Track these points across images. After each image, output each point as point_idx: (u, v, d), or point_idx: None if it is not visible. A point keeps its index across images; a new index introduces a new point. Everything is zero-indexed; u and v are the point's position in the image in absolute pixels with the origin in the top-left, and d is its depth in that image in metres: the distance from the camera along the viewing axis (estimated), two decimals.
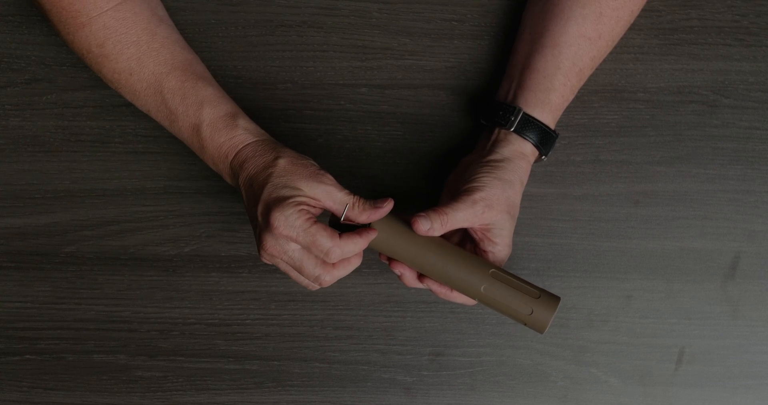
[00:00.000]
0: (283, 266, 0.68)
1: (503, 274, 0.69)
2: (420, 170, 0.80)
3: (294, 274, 0.68)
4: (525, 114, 0.72)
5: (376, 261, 0.79)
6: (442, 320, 0.80)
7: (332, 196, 0.66)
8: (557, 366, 0.80)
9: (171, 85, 0.70)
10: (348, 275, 0.79)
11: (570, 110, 0.79)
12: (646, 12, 0.79)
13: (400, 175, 0.80)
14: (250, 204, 0.68)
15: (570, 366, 0.80)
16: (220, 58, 0.80)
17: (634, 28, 0.79)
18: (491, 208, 0.69)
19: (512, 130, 0.72)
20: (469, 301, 0.72)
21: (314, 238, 0.64)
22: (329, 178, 0.67)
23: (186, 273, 0.80)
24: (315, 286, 0.69)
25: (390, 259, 0.71)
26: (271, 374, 0.80)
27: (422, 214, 0.68)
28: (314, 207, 0.66)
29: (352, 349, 0.80)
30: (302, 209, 0.65)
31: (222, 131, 0.69)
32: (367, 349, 0.80)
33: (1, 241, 0.80)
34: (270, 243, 0.65)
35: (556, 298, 0.69)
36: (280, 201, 0.64)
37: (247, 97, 0.80)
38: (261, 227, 0.65)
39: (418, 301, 0.80)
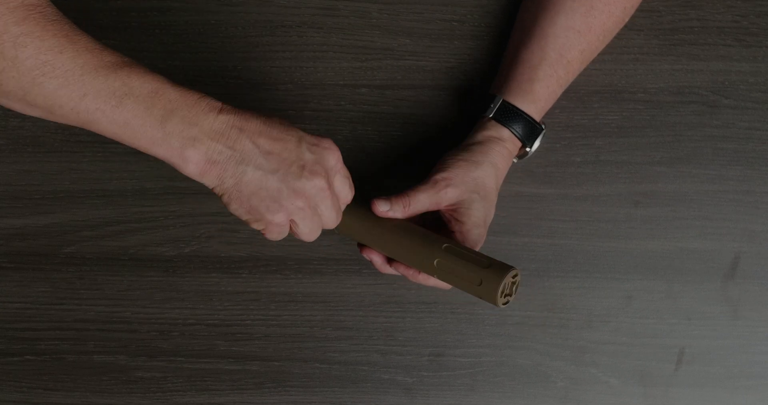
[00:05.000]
0: (297, 213, 0.63)
1: (457, 247, 0.67)
2: (420, 171, 0.80)
3: (305, 221, 0.64)
4: (504, 101, 0.73)
5: None
6: (442, 321, 0.80)
7: None
8: (557, 366, 0.80)
9: (116, 58, 0.58)
10: (348, 275, 0.79)
11: (570, 110, 0.79)
12: (646, 12, 0.79)
13: (400, 176, 0.80)
14: (283, 135, 0.62)
15: (570, 366, 0.80)
16: (220, 58, 0.80)
17: (634, 28, 0.79)
18: (454, 187, 0.70)
19: (491, 116, 0.73)
20: (440, 284, 0.71)
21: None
22: None
23: (186, 273, 0.80)
24: (315, 235, 0.66)
25: (360, 246, 0.72)
26: (271, 375, 0.80)
27: (382, 197, 0.69)
28: None
29: (352, 349, 0.80)
30: None
31: (191, 90, 0.60)
32: (367, 349, 0.80)
33: (1, 242, 0.80)
34: (331, 161, 0.64)
35: (507, 267, 0.65)
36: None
37: (247, 98, 0.79)
38: (312, 158, 0.62)
39: (418, 302, 0.80)
